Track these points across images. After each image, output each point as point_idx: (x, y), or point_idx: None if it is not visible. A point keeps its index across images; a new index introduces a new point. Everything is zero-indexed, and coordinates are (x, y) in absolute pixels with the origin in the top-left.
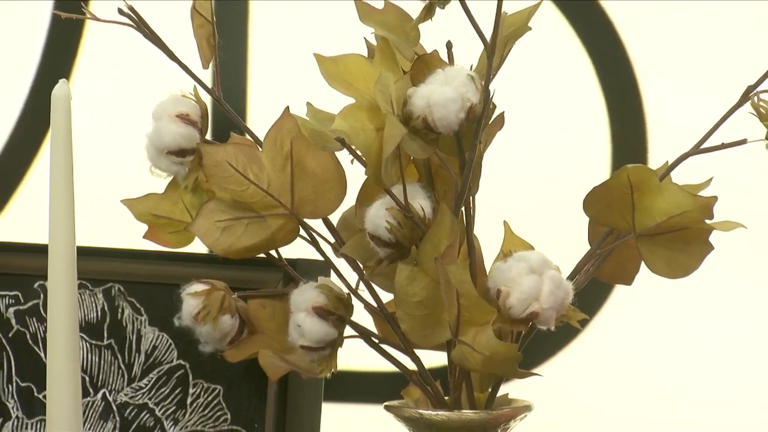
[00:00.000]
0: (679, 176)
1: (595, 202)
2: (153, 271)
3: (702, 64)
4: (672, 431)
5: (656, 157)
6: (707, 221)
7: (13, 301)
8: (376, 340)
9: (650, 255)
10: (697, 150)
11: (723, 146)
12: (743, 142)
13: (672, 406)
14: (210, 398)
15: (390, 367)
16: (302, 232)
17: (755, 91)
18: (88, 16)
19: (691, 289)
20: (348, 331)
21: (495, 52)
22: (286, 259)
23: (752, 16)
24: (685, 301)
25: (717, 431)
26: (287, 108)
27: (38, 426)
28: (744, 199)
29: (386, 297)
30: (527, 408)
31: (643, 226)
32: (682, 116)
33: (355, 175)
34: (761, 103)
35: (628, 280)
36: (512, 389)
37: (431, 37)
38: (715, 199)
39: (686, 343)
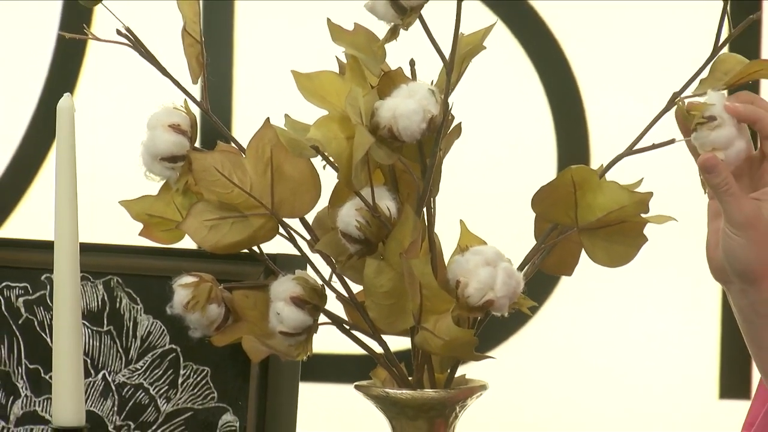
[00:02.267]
0: (618, 174)
1: (542, 200)
2: (148, 264)
3: (636, 73)
4: (612, 406)
5: (597, 158)
6: (643, 215)
7: (23, 291)
8: (347, 327)
9: (592, 247)
10: (630, 151)
11: (654, 146)
12: (671, 142)
13: (612, 383)
14: (199, 378)
15: (360, 351)
16: (281, 230)
17: (680, 97)
18: (90, 36)
19: (628, 278)
20: (322, 318)
21: (453, 68)
22: (266, 254)
23: (680, 29)
24: (622, 288)
25: (653, 406)
26: (267, 119)
27: (45, 403)
28: (675, 195)
29: (356, 288)
30: (483, 387)
31: (585, 221)
32: (620, 121)
33: (329, 179)
34: (686, 105)
35: (568, 271)
36: (469, 370)
37: (396, 55)
38: (650, 195)
39: (624, 326)
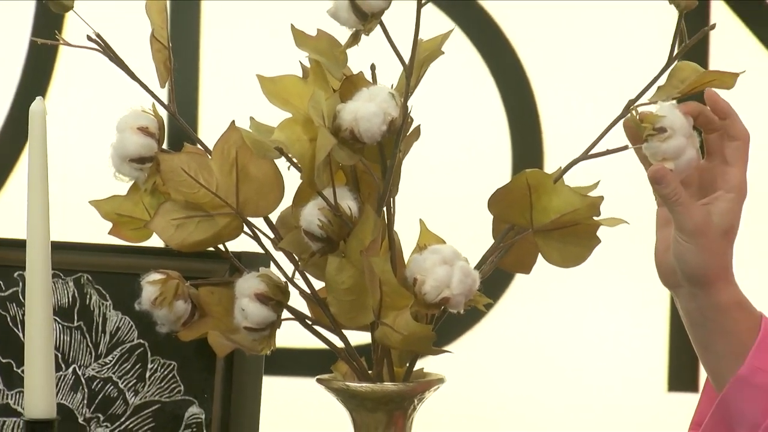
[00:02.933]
0: (571, 178)
1: (498, 201)
2: (117, 262)
3: (590, 80)
4: (565, 399)
5: (550, 161)
6: (595, 218)
7: None
8: (310, 322)
9: (546, 247)
10: (585, 156)
11: (608, 152)
12: (625, 148)
13: (564, 377)
14: (166, 372)
15: (321, 345)
16: (246, 228)
17: (636, 104)
18: (61, 42)
19: (581, 277)
20: (285, 314)
21: (412, 73)
22: (231, 252)
23: (636, 36)
24: (576, 286)
25: (604, 399)
26: (233, 122)
27: (17, 396)
28: (627, 199)
29: (318, 285)
30: (440, 381)
31: (540, 223)
32: (573, 127)
33: (292, 180)
34: (639, 114)
35: (526, 270)
36: (427, 364)
37: (357, 60)
38: (601, 198)
39: (576, 323)
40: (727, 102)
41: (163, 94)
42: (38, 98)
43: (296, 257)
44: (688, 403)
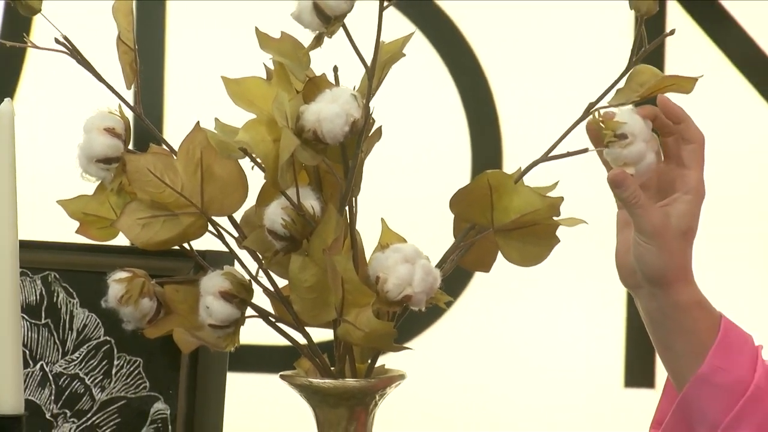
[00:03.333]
0: (531, 178)
1: (459, 201)
2: (83, 261)
3: (549, 82)
4: (523, 395)
5: (509, 161)
6: (555, 218)
7: None
8: (273, 319)
9: (506, 247)
10: (545, 158)
11: (568, 154)
12: (585, 151)
13: (523, 373)
14: (132, 369)
15: (285, 342)
16: (210, 227)
17: (596, 107)
18: (29, 45)
19: (541, 275)
20: (249, 311)
21: (374, 74)
22: (196, 250)
23: (595, 39)
24: (533, 286)
25: (562, 394)
26: (198, 123)
27: None
28: (585, 199)
29: (282, 283)
30: (401, 377)
31: (500, 222)
32: (532, 128)
33: (256, 180)
34: (600, 118)
35: (486, 268)
36: (388, 361)
37: (320, 62)
38: (561, 199)
39: (535, 320)
40: (679, 107)
41: (130, 95)
42: (6, 100)
43: (260, 256)
44: (644, 398)
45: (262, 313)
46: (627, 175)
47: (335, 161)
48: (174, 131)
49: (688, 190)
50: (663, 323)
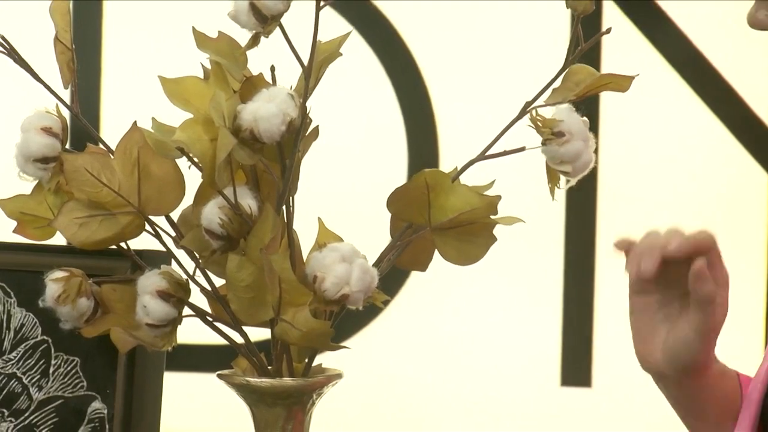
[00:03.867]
0: (468, 177)
1: (396, 200)
2: (21, 260)
3: (485, 82)
4: (461, 394)
5: (446, 160)
6: (492, 217)
7: None
8: (210, 319)
9: (443, 245)
10: (482, 156)
11: (505, 153)
12: (522, 149)
13: (460, 371)
14: (69, 368)
15: (222, 341)
16: (148, 227)
17: (533, 106)
18: None
19: (476, 275)
20: (186, 310)
21: (311, 74)
22: (133, 250)
23: (532, 38)
24: (470, 284)
25: (499, 392)
26: (135, 122)
27: None
28: (523, 198)
29: (219, 282)
30: (338, 376)
31: (438, 221)
32: (468, 127)
33: (193, 179)
34: (537, 116)
35: (422, 267)
36: (326, 360)
37: (257, 61)
38: (499, 198)
39: (473, 319)
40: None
41: (67, 94)
42: None
43: (197, 255)
44: (580, 397)
45: (200, 313)
46: (705, 269)
47: (272, 160)
48: (111, 131)
49: (722, 282)
50: (692, 404)
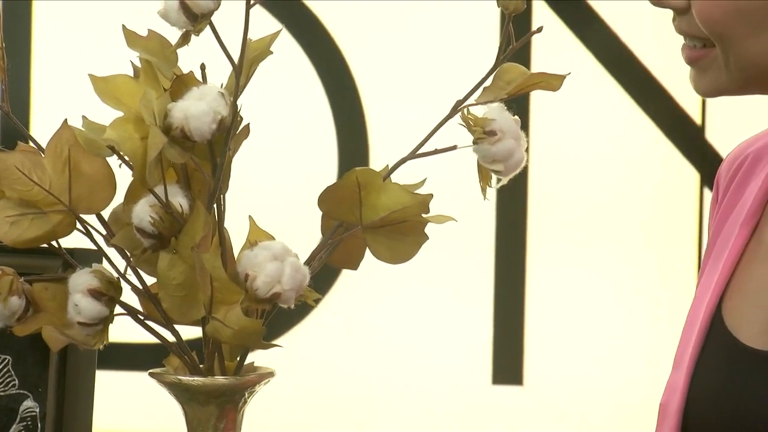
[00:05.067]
0: (399, 176)
1: (327, 198)
2: None
3: (416, 81)
4: (392, 391)
5: (376, 159)
6: (424, 215)
7: None
8: (142, 317)
9: (375, 244)
10: (414, 155)
11: (436, 152)
12: (453, 148)
13: (392, 369)
14: (1, 367)
15: (154, 340)
16: (79, 225)
17: (464, 105)
18: None
19: (407, 273)
20: (118, 309)
21: (242, 72)
22: (65, 248)
23: (462, 37)
24: (401, 283)
25: (431, 390)
26: (65, 120)
27: None
28: (454, 197)
29: (150, 280)
30: (270, 374)
31: (369, 220)
32: (398, 124)
33: (124, 177)
34: (469, 115)
35: (353, 266)
36: (258, 358)
37: (188, 59)
38: (430, 196)
39: (404, 317)
40: None
41: None
42: None
43: (128, 253)
44: (512, 395)
45: (131, 311)
46: None
47: (203, 159)
48: (41, 129)
49: None
50: None
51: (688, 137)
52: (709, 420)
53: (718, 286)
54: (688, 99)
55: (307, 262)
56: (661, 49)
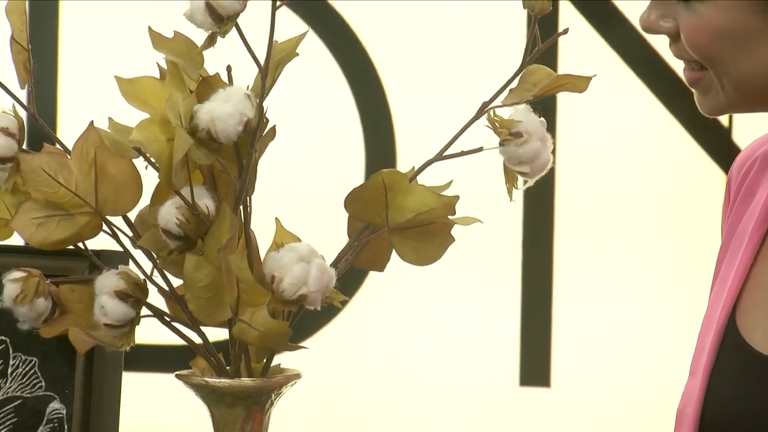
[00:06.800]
0: (425, 178)
1: (354, 200)
2: None
3: (442, 82)
4: (420, 393)
5: (403, 161)
6: (450, 217)
7: None
8: (168, 319)
9: (401, 246)
10: (440, 157)
11: (462, 153)
12: (480, 149)
13: (420, 370)
14: (27, 368)
15: (180, 342)
16: (105, 227)
17: (490, 106)
18: None
19: (434, 275)
20: (144, 311)
21: (268, 74)
22: (91, 250)
23: (489, 39)
24: (429, 285)
25: (460, 391)
26: (92, 122)
27: None
28: (480, 198)
29: (176, 282)
30: (297, 376)
31: (395, 222)
32: (425, 128)
33: (150, 179)
34: (495, 117)
35: (380, 267)
36: (284, 360)
37: (214, 61)
38: (457, 198)
39: (432, 319)
40: None
41: (23, 95)
42: None
43: (155, 255)
44: (539, 397)
45: (158, 313)
46: None
47: (229, 160)
48: (68, 131)
49: None
50: None
51: (715, 138)
52: (726, 426)
53: (731, 292)
54: None
55: (334, 264)
56: None
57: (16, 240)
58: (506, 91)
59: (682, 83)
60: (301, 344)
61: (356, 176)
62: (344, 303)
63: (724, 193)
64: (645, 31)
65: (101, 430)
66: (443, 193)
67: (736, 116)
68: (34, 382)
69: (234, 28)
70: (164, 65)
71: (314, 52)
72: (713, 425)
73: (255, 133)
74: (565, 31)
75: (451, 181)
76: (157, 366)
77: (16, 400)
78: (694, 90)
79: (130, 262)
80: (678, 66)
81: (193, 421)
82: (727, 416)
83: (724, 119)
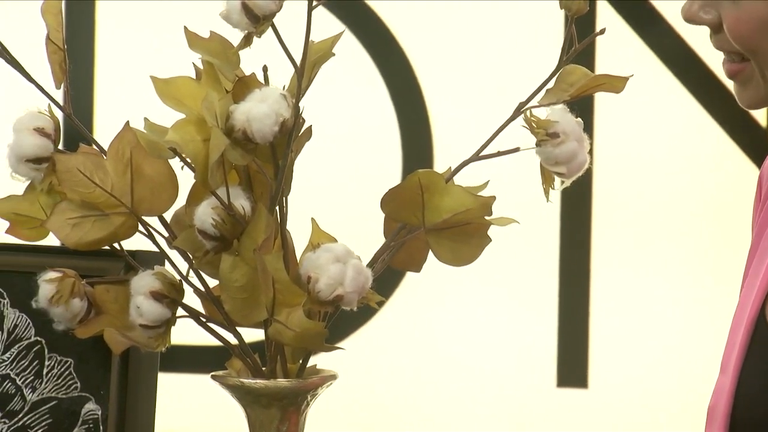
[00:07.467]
0: (461, 178)
1: (390, 201)
2: (14, 261)
3: (479, 82)
4: (456, 395)
5: (440, 161)
6: (486, 217)
7: None
8: (204, 319)
9: (437, 246)
10: (477, 157)
11: (499, 153)
12: (516, 150)
13: (456, 372)
14: (63, 369)
15: (216, 342)
16: (141, 227)
17: (527, 107)
18: None
19: (471, 276)
20: (180, 311)
21: (304, 74)
22: (127, 250)
23: (526, 39)
24: (465, 285)
25: (497, 393)
26: (127, 122)
27: None
28: (517, 199)
29: (212, 282)
30: (333, 377)
31: (432, 222)
32: (462, 128)
33: (186, 179)
34: (532, 117)
35: (417, 268)
36: (320, 361)
37: (250, 61)
38: (493, 198)
39: (468, 320)
40: None
41: (59, 95)
42: None
43: (190, 255)
44: (577, 398)
45: (193, 313)
46: None
47: (265, 161)
48: (104, 131)
49: None
50: None
51: (753, 138)
52: (757, 422)
53: (762, 289)
54: None
55: (370, 265)
56: None
57: (51, 240)
58: (543, 92)
59: (719, 82)
60: (337, 345)
61: (393, 176)
62: (381, 304)
63: (756, 192)
64: (686, 21)
65: (136, 431)
66: (480, 194)
67: None
68: (70, 382)
69: (270, 28)
70: (200, 65)
71: (351, 52)
72: (744, 421)
73: (291, 134)
74: (602, 31)
75: (488, 182)
76: (193, 367)
77: (51, 401)
78: (733, 82)
79: (166, 262)
80: (715, 65)
81: (228, 422)
82: (758, 412)
83: (761, 118)
